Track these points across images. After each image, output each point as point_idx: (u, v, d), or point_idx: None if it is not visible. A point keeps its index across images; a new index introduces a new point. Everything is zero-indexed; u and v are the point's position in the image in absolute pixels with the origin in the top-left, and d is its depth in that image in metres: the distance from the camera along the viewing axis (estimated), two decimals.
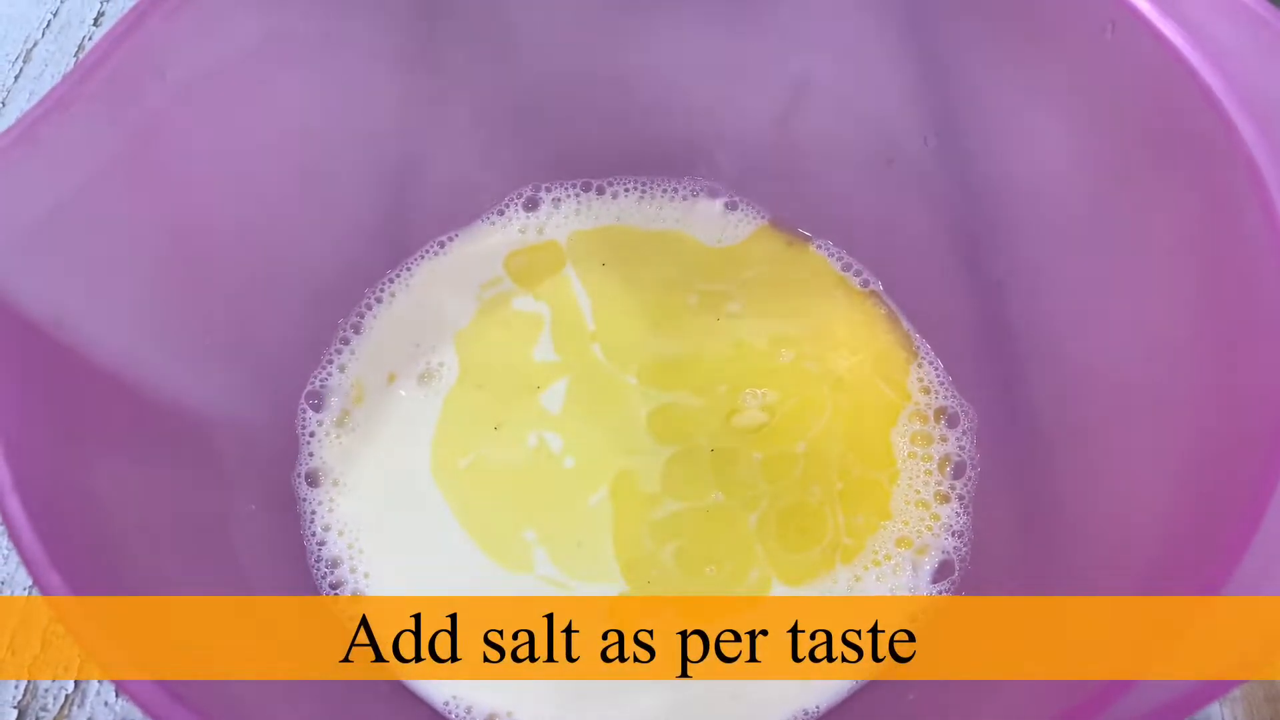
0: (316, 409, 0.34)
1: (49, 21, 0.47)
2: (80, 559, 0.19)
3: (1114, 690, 0.19)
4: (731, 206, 0.39)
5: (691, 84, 0.36)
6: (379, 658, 0.30)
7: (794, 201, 0.38)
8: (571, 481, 0.33)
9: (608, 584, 0.32)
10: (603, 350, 0.36)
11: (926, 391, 0.35)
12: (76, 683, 0.32)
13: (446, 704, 0.30)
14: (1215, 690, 0.19)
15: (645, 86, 0.37)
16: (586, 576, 0.32)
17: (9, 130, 0.22)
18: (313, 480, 0.33)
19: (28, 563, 0.18)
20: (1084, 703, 0.19)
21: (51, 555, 0.18)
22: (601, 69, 0.36)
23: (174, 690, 0.17)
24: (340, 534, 0.32)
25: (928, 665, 0.30)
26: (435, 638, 0.31)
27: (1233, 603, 0.20)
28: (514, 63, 0.36)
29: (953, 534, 0.32)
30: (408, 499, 0.33)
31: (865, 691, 0.30)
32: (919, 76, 0.33)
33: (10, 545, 0.34)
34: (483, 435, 0.34)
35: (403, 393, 0.35)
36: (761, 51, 0.35)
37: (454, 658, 0.30)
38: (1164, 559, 0.23)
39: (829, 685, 0.30)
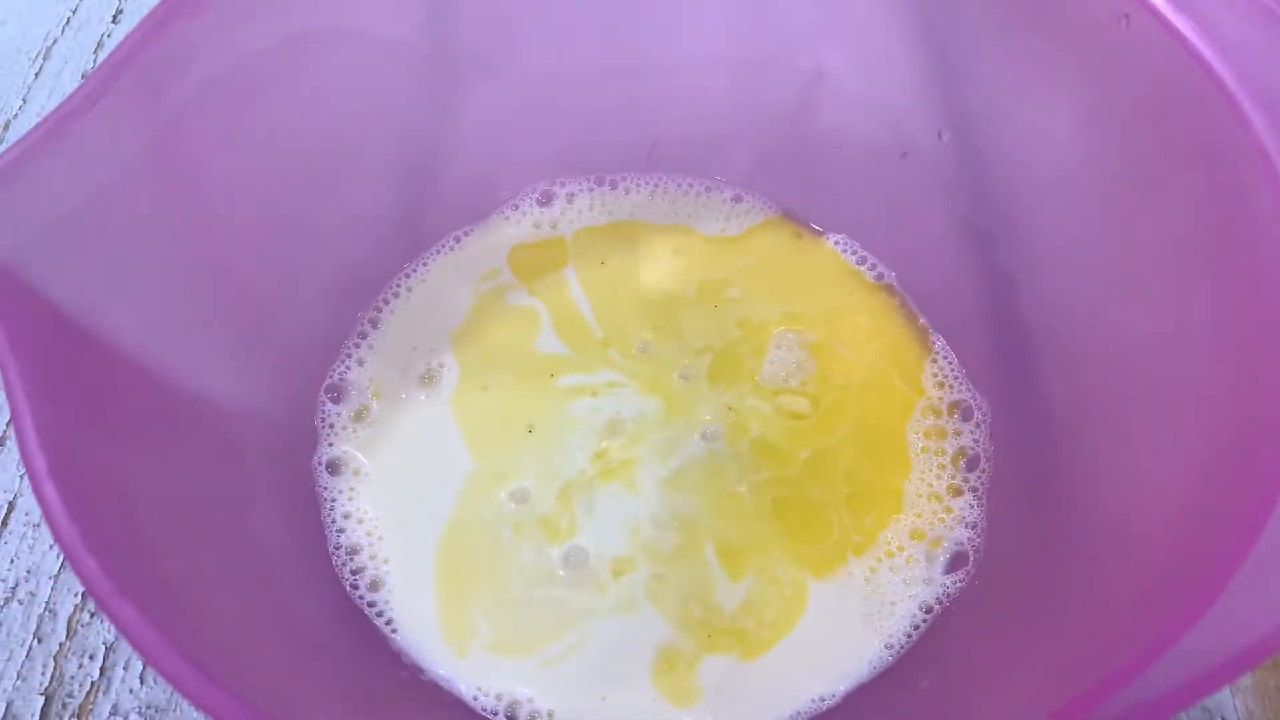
0: (336, 401, 0.35)
1: (68, 19, 0.48)
2: (113, 545, 0.20)
3: (1122, 677, 0.19)
4: (740, 199, 0.39)
5: (706, 80, 0.37)
6: (397, 649, 0.31)
7: (807, 195, 0.38)
8: (581, 469, 0.34)
9: (624, 574, 0.32)
10: (602, 345, 0.36)
11: (940, 386, 0.35)
12: (102, 670, 0.32)
13: (471, 693, 0.30)
14: (1224, 677, 0.19)
15: (660, 82, 0.37)
16: (603, 566, 0.32)
17: (39, 125, 0.23)
18: (333, 469, 0.34)
19: (65, 548, 0.18)
20: (1091, 691, 0.20)
21: (87, 541, 0.18)
22: (616, 65, 0.36)
23: (209, 674, 0.18)
24: (360, 521, 0.33)
25: (941, 654, 0.30)
26: (454, 627, 0.31)
27: (1243, 592, 0.20)
28: (529, 59, 0.36)
29: (966, 525, 0.32)
30: (426, 487, 0.33)
31: (880, 679, 0.30)
32: (933, 71, 0.33)
33: (36, 535, 0.34)
34: (493, 425, 0.35)
35: (418, 384, 0.35)
36: (775, 47, 0.35)
37: (472, 648, 0.31)
38: (1176, 548, 0.24)
39: (844, 673, 0.30)
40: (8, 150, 0.22)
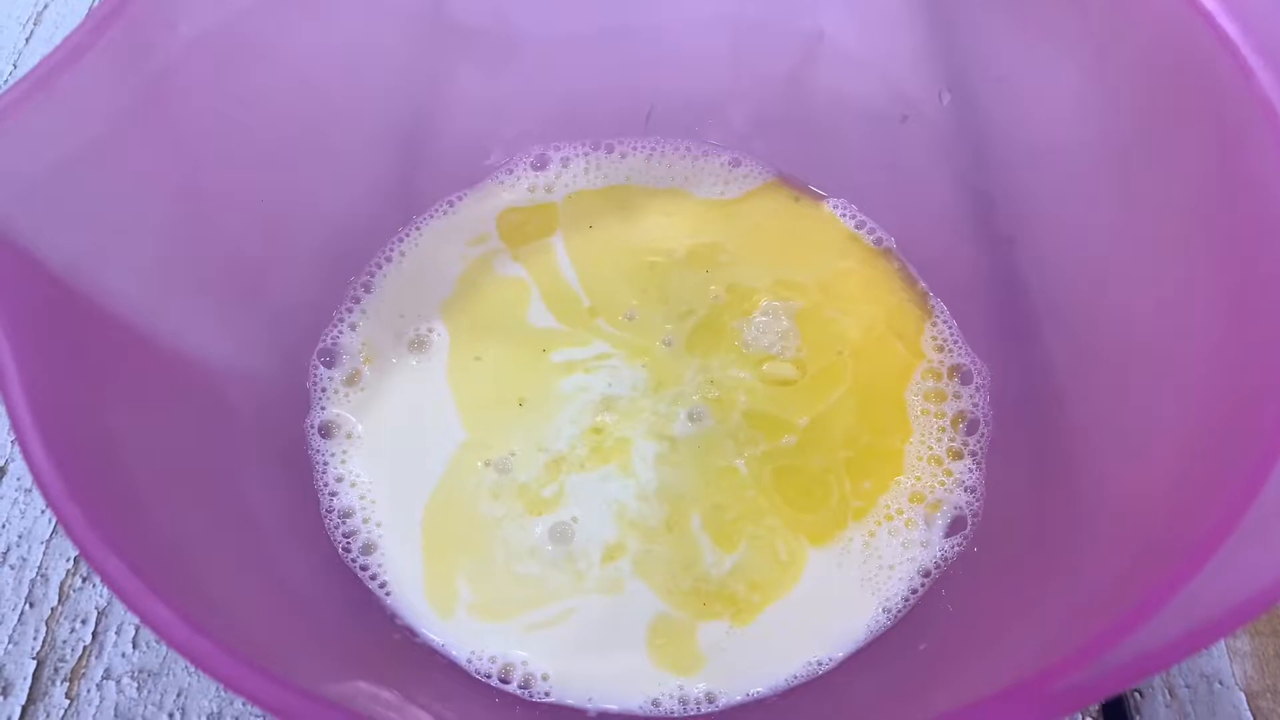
0: (328, 365, 0.34)
1: None
2: (100, 499, 0.19)
3: (1118, 633, 0.19)
4: (738, 163, 0.39)
5: (703, 42, 0.36)
6: (390, 611, 0.30)
7: (806, 159, 0.38)
8: (572, 446, 0.33)
9: (620, 558, 0.32)
10: (590, 315, 0.36)
11: (940, 349, 0.35)
12: (94, 634, 0.32)
13: (465, 655, 0.30)
14: (1218, 632, 0.19)
15: (657, 44, 0.36)
16: (600, 539, 0.32)
17: (25, 78, 0.22)
18: (325, 433, 0.33)
19: (49, 499, 0.18)
20: (1088, 645, 0.19)
21: (71, 489, 0.18)
22: (612, 27, 0.36)
23: (196, 623, 0.17)
24: (353, 485, 0.32)
25: (939, 618, 0.30)
26: (439, 591, 0.31)
27: (1239, 550, 0.20)
28: (525, 22, 0.35)
29: (965, 489, 0.32)
30: (417, 453, 0.33)
31: (878, 642, 0.30)
32: (934, 32, 0.33)
33: (28, 500, 0.34)
34: (485, 397, 0.34)
35: (410, 350, 0.35)
36: (774, 7, 0.35)
37: (458, 612, 0.31)
38: (1173, 510, 0.23)
39: (842, 637, 0.30)
40: None
